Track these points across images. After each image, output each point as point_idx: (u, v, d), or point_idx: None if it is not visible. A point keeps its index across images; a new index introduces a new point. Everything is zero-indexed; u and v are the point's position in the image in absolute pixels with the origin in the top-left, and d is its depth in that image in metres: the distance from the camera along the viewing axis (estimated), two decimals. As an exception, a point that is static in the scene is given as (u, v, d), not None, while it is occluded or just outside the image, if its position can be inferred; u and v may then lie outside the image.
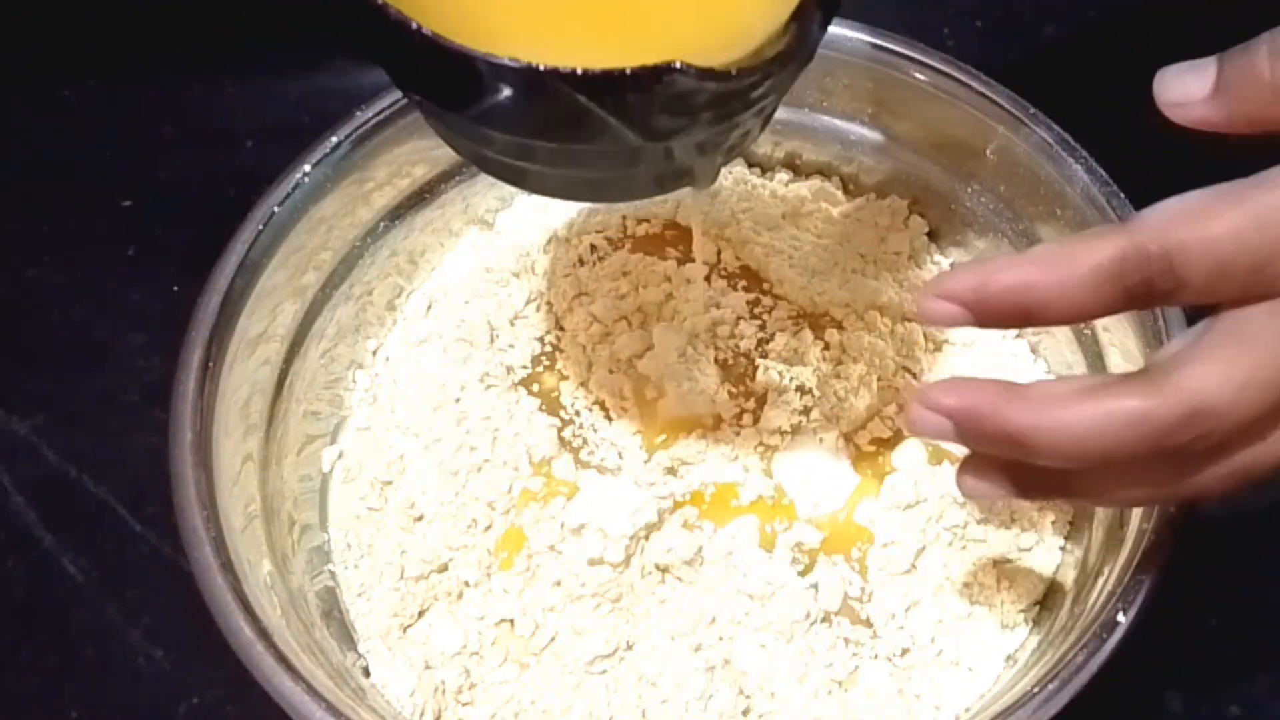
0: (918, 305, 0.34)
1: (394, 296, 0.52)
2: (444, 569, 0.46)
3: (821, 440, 0.48)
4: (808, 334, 0.51)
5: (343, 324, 0.51)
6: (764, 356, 0.50)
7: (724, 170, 0.53)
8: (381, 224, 0.51)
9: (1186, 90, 0.35)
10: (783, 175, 0.55)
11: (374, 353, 0.52)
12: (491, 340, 0.51)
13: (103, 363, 0.55)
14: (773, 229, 0.53)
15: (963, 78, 0.49)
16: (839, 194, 0.54)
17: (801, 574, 0.46)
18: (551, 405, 0.50)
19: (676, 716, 0.43)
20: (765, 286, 0.52)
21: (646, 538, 0.46)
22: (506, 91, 0.30)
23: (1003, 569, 0.46)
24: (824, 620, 0.45)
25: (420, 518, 0.47)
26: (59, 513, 0.51)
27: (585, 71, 0.29)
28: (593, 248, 0.53)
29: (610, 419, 0.49)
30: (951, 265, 0.53)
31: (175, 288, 0.55)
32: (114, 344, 0.55)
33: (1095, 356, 0.48)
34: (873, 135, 0.53)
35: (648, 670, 0.44)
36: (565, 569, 0.45)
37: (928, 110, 0.50)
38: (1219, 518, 0.49)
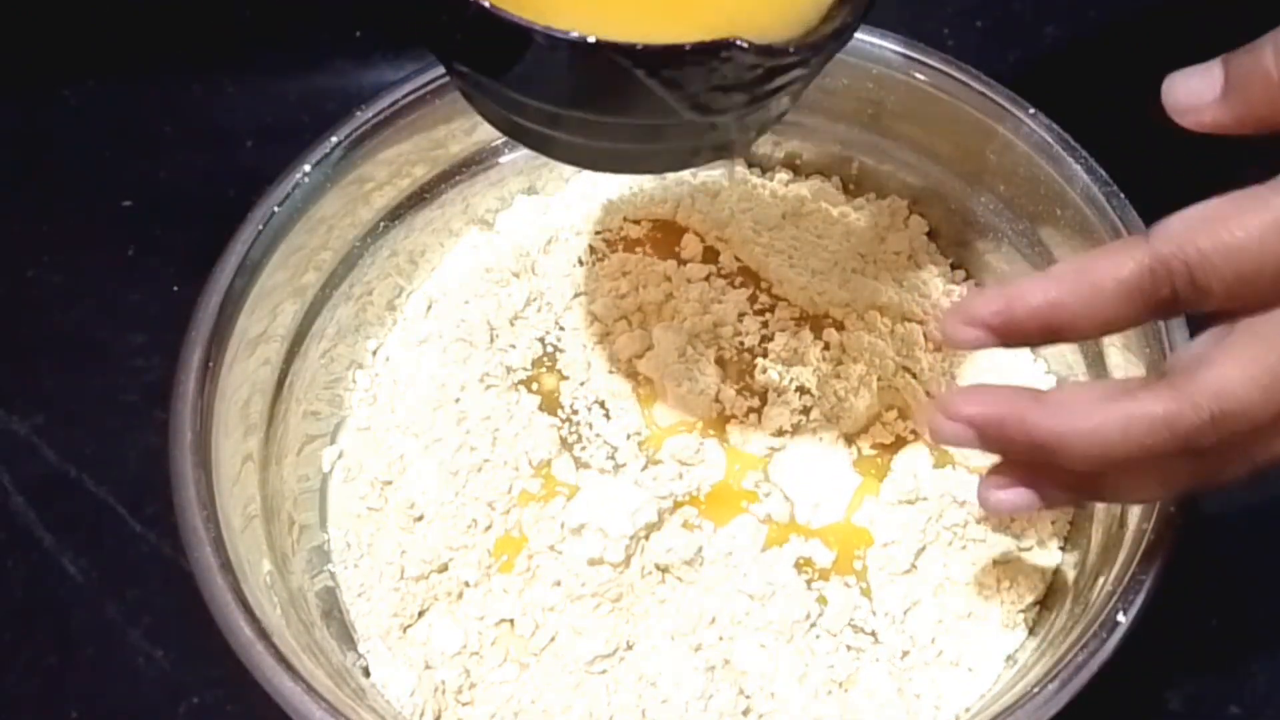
0: (943, 331, 0.35)
1: (394, 296, 0.52)
2: (444, 569, 0.46)
3: (821, 440, 0.48)
4: (808, 334, 0.51)
5: (343, 324, 0.51)
6: (764, 356, 0.50)
7: (724, 170, 0.53)
8: (381, 224, 0.51)
9: (1195, 95, 0.35)
10: (783, 175, 0.55)
11: (374, 353, 0.52)
12: (491, 340, 0.51)
13: (103, 363, 0.55)
14: (773, 229, 0.53)
15: (963, 78, 0.48)
16: (839, 194, 0.54)
17: (800, 573, 0.46)
18: (551, 405, 0.50)
19: (676, 716, 0.43)
20: (765, 286, 0.52)
21: (646, 538, 0.46)
22: (562, 65, 0.30)
23: (1003, 569, 0.46)
24: (823, 620, 0.45)
25: (420, 518, 0.47)
26: (59, 513, 0.51)
27: (646, 46, 0.29)
28: (592, 248, 0.53)
29: (610, 419, 0.49)
30: (950, 265, 0.53)
31: (175, 288, 0.55)
32: (114, 344, 0.55)
33: (1095, 356, 0.48)
34: (873, 135, 0.52)
35: (648, 670, 0.44)
36: (565, 569, 0.45)
37: (928, 110, 0.50)
38: (1219, 517, 0.49)
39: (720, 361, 0.50)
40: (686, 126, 0.34)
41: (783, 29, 0.32)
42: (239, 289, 0.45)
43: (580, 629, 0.45)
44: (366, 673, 0.45)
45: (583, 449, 0.49)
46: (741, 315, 0.51)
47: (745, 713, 0.43)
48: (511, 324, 0.52)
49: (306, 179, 0.47)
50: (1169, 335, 0.43)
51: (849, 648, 0.45)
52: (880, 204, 0.54)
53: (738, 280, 0.52)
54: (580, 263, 0.53)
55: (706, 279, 0.52)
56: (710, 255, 0.53)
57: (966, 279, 0.52)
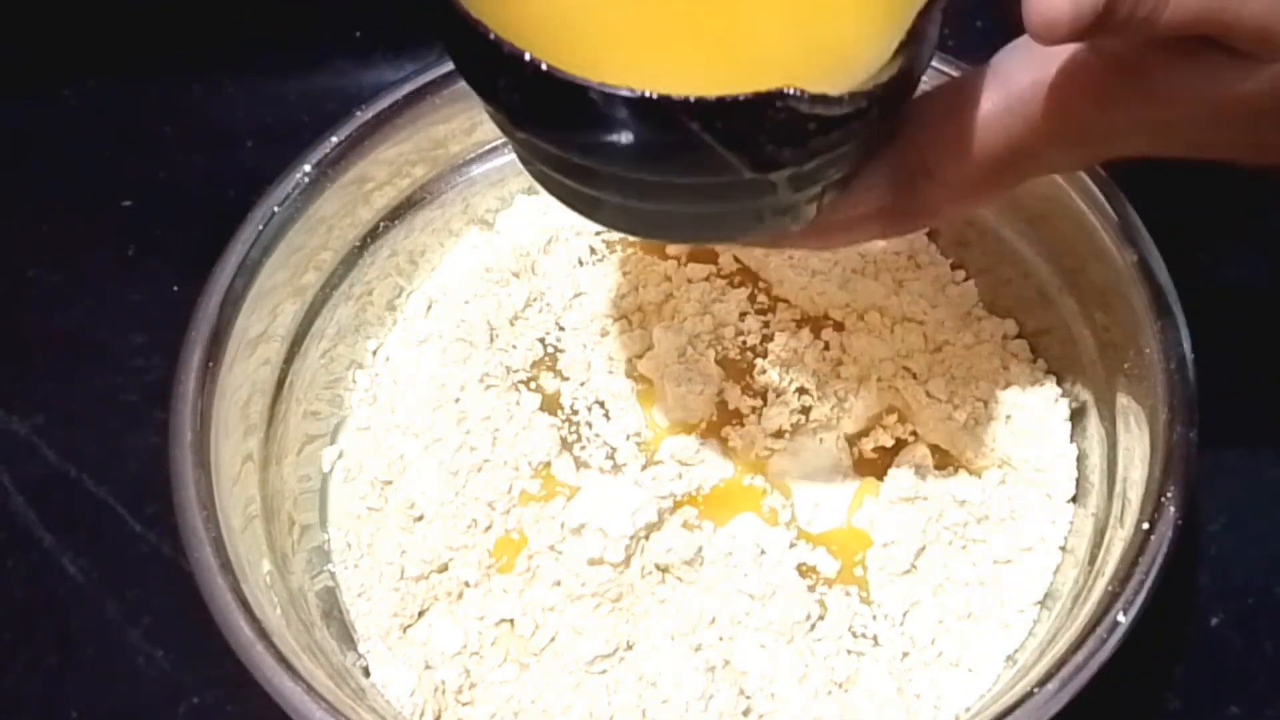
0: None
1: (394, 296, 0.52)
2: (444, 569, 0.46)
3: (821, 441, 0.48)
4: (808, 334, 0.51)
5: (343, 324, 0.51)
6: (764, 357, 0.50)
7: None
8: (381, 224, 0.51)
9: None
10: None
11: (374, 353, 0.52)
12: (491, 340, 0.51)
13: (103, 363, 0.55)
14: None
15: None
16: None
17: (803, 577, 0.46)
18: (551, 405, 0.50)
19: (676, 716, 0.43)
20: (765, 287, 0.52)
21: (646, 538, 0.46)
22: (618, 120, 0.30)
23: (1003, 569, 0.46)
24: (823, 620, 0.45)
25: (420, 518, 0.47)
26: (59, 513, 0.51)
27: (699, 98, 0.29)
28: (592, 248, 0.53)
29: (610, 419, 0.49)
30: (950, 265, 0.53)
31: (175, 288, 0.55)
32: (114, 344, 0.55)
33: (1096, 358, 0.48)
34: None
35: (648, 670, 0.44)
36: (565, 569, 0.45)
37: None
38: (1219, 518, 0.49)
39: (720, 362, 0.50)
40: (745, 187, 0.33)
41: (840, 80, 0.31)
42: (239, 289, 0.45)
43: (580, 629, 0.45)
44: (366, 673, 0.45)
45: (583, 449, 0.49)
46: (742, 315, 0.51)
47: (745, 713, 0.43)
48: (511, 324, 0.52)
49: (306, 179, 0.47)
50: (1169, 334, 0.43)
51: (849, 651, 0.45)
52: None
53: (737, 280, 0.52)
54: (580, 263, 0.53)
55: (706, 279, 0.52)
56: (710, 255, 0.53)
57: (966, 279, 0.52)
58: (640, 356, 0.50)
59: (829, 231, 0.38)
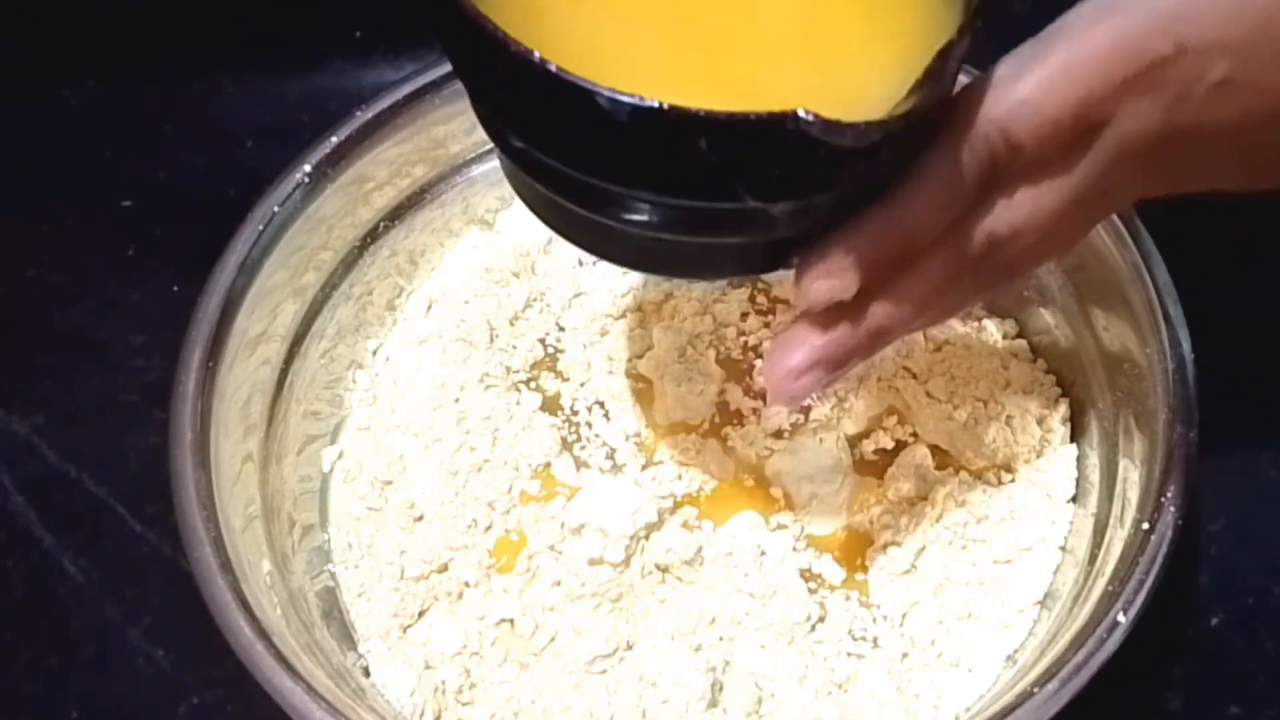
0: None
1: (394, 296, 0.52)
2: (444, 569, 0.46)
3: (821, 441, 0.48)
4: (808, 334, 0.51)
5: (343, 324, 0.51)
6: (763, 357, 0.50)
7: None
8: (381, 224, 0.51)
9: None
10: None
11: (374, 353, 0.52)
12: (491, 340, 0.51)
13: (103, 363, 0.55)
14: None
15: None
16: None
17: (804, 580, 0.46)
18: (551, 405, 0.50)
19: (677, 717, 0.43)
20: (765, 287, 0.52)
21: (646, 537, 0.46)
22: (623, 131, 0.29)
23: (1003, 569, 0.46)
24: (823, 620, 0.45)
25: (420, 518, 0.47)
26: (59, 513, 0.51)
27: (710, 112, 0.28)
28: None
29: (610, 419, 0.49)
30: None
31: (175, 288, 0.55)
32: (114, 344, 0.55)
33: (1096, 358, 0.48)
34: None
35: (648, 670, 0.44)
36: (565, 569, 0.45)
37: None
38: (1218, 518, 0.49)
39: (720, 362, 0.50)
40: (743, 218, 0.32)
41: (852, 115, 0.29)
42: (239, 289, 0.45)
43: (580, 629, 0.44)
44: (366, 673, 0.45)
45: (582, 449, 0.49)
46: (743, 316, 0.51)
47: (745, 713, 0.43)
48: (511, 324, 0.52)
49: (306, 179, 0.47)
50: (1168, 336, 0.43)
51: (849, 654, 0.45)
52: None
53: (737, 280, 0.52)
54: (580, 263, 0.53)
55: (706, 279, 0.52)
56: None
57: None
58: (640, 356, 0.50)
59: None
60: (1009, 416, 0.49)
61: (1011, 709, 0.38)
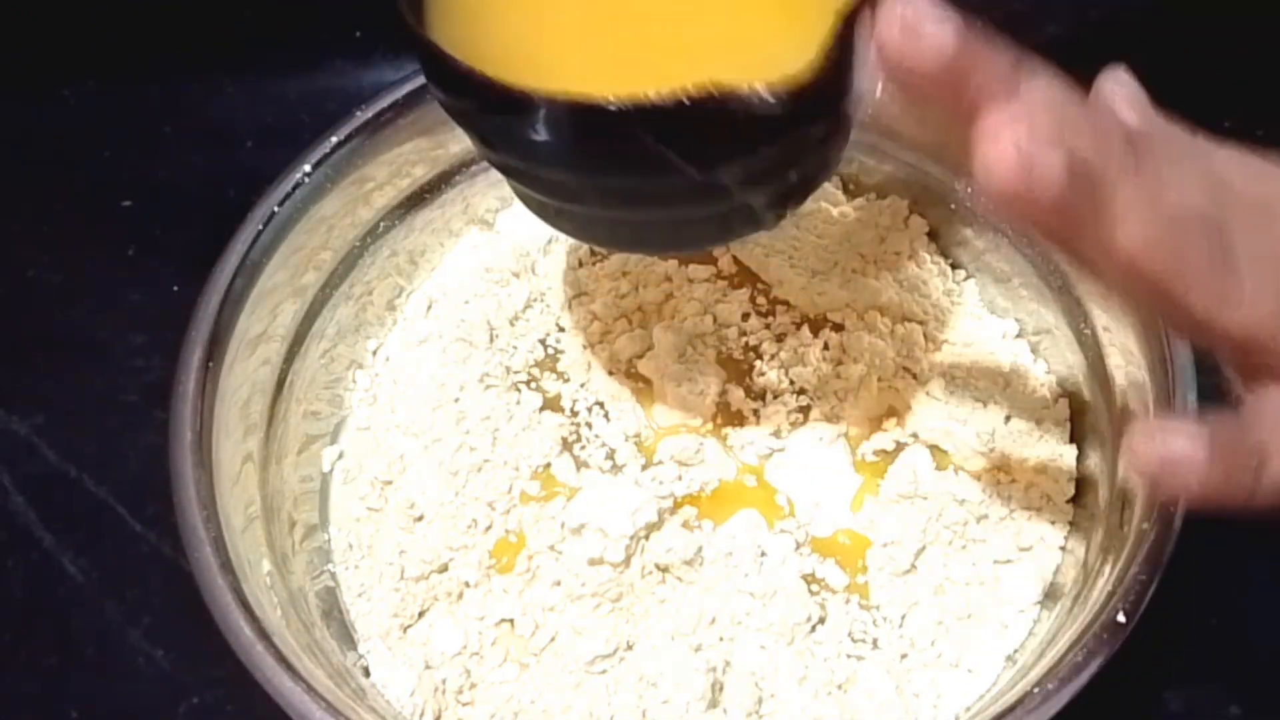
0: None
1: (394, 296, 0.52)
2: (444, 569, 0.46)
3: (821, 441, 0.48)
4: (808, 334, 0.51)
5: (343, 324, 0.51)
6: (764, 357, 0.50)
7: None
8: (381, 224, 0.51)
9: (1181, 457, 0.32)
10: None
11: (374, 353, 0.52)
12: (491, 340, 0.51)
13: (103, 363, 0.55)
14: (773, 229, 0.53)
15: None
16: (839, 194, 0.54)
17: (805, 582, 0.46)
18: (551, 405, 0.50)
19: (677, 717, 0.43)
20: (765, 288, 0.52)
21: (646, 537, 0.46)
22: (560, 127, 0.32)
23: (1003, 569, 0.46)
24: (823, 621, 0.45)
25: (420, 518, 0.47)
26: (59, 513, 0.51)
27: (628, 99, 0.30)
28: (592, 249, 0.53)
29: (610, 420, 0.49)
30: (950, 265, 0.53)
31: (175, 288, 0.55)
32: (114, 344, 0.55)
33: (1096, 358, 0.48)
34: (872, 135, 0.52)
35: (648, 670, 0.44)
36: (565, 569, 0.45)
37: (928, 110, 0.50)
38: (1219, 518, 0.49)
39: (720, 362, 0.50)
40: (701, 192, 0.34)
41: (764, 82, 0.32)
42: (239, 289, 0.45)
43: (580, 629, 0.44)
44: (366, 673, 0.45)
45: (582, 449, 0.49)
46: (743, 316, 0.51)
47: (745, 713, 0.43)
48: (512, 324, 0.52)
49: (306, 179, 0.47)
50: (1170, 338, 0.43)
51: (849, 655, 0.45)
52: (880, 204, 0.54)
53: (738, 281, 0.52)
54: (580, 263, 0.53)
55: (707, 280, 0.52)
56: (710, 256, 0.53)
57: (967, 279, 0.52)
58: (640, 356, 0.50)
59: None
60: (1009, 416, 0.49)
61: (1011, 709, 0.38)
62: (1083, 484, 0.47)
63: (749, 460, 0.48)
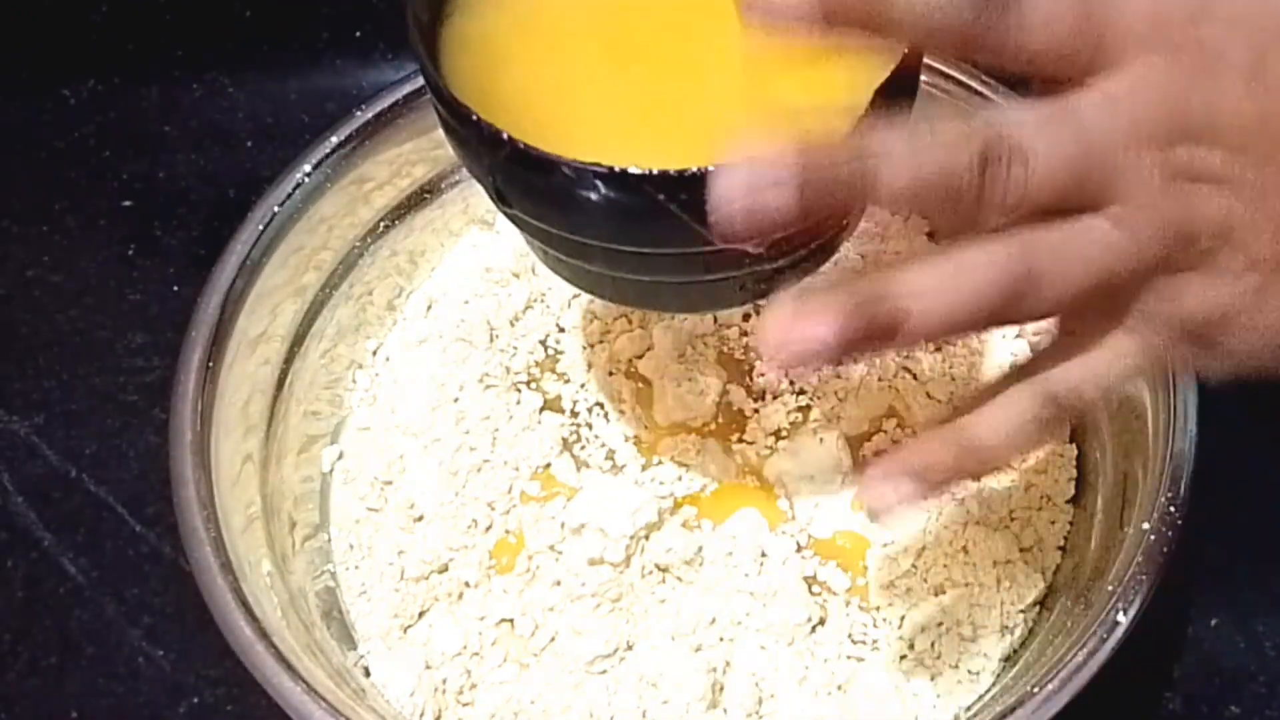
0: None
1: (394, 296, 0.52)
2: (444, 569, 0.46)
3: (821, 441, 0.48)
4: (808, 334, 0.51)
5: (343, 324, 0.51)
6: (764, 357, 0.50)
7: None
8: (381, 224, 0.51)
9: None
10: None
11: (374, 353, 0.52)
12: (491, 340, 0.51)
13: (103, 363, 0.55)
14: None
15: (962, 77, 0.48)
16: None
17: (799, 571, 0.46)
18: (551, 406, 0.50)
19: (677, 717, 0.43)
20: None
21: (647, 537, 0.46)
22: (591, 195, 0.32)
23: (1003, 569, 0.46)
24: (823, 622, 0.45)
25: (420, 518, 0.47)
26: (59, 513, 0.51)
27: (659, 171, 0.31)
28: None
29: (610, 419, 0.49)
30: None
31: (175, 288, 0.55)
32: (114, 344, 0.55)
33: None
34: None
35: (648, 671, 0.44)
36: (565, 569, 0.45)
37: (928, 110, 0.50)
38: (1219, 517, 0.49)
39: (720, 362, 0.50)
40: (722, 257, 0.34)
41: None
42: (239, 289, 0.45)
43: (580, 629, 0.44)
44: (367, 673, 0.45)
45: (582, 449, 0.49)
46: (744, 316, 0.51)
47: (745, 713, 0.43)
48: (511, 324, 0.52)
49: (307, 179, 0.47)
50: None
51: (849, 657, 0.45)
52: (880, 204, 0.54)
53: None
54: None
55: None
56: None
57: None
58: (640, 356, 0.50)
59: None
60: (1009, 417, 0.49)
61: (1012, 709, 0.38)
62: (1083, 484, 0.47)
63: (749, 461, 0.48)
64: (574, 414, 0.50)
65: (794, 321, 0.30)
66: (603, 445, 0.49)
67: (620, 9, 0.36)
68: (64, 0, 0.62)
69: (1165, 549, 0.39)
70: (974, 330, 0.33)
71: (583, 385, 0.50)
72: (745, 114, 0.34)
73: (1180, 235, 0.31)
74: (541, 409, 0.50)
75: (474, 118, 0.32)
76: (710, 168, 0.30)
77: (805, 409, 0.49)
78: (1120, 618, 0.38)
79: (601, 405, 0.50)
